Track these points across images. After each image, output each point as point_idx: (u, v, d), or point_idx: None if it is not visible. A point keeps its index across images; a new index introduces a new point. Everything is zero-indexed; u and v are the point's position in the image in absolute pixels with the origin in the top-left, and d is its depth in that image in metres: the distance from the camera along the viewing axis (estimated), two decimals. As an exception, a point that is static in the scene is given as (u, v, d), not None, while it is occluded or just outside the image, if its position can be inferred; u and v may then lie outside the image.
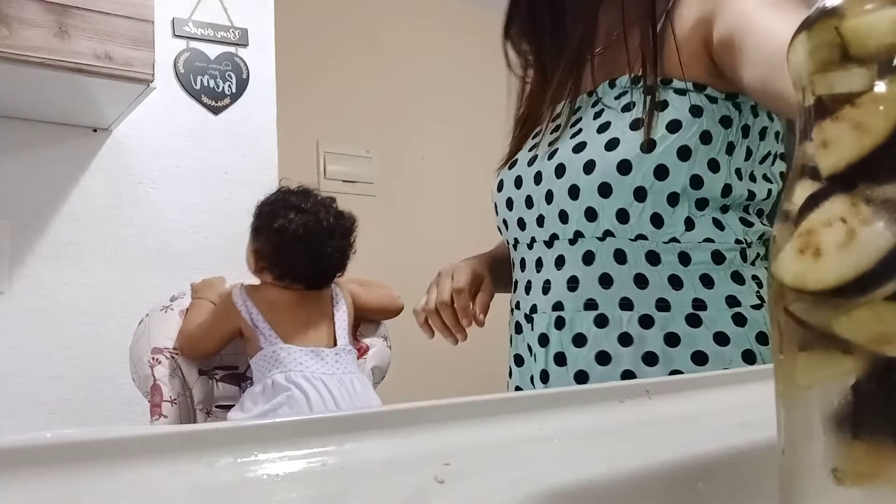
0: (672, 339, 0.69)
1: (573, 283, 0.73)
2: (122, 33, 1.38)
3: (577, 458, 0.31)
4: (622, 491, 0.27)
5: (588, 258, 0.72)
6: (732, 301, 0.70)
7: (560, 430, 0.35)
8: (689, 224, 0.69)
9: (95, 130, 1.69)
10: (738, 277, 0.71)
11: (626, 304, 0.70)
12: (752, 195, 0.72)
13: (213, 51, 1.84)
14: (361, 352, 1.49)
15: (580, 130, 0.75)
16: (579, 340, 0.72)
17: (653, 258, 0.70)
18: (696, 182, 0.68)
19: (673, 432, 0.36)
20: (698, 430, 0.36)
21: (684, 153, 0.67)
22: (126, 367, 1.40)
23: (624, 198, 0.69)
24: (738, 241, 0.71)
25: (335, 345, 1.39)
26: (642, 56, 0.71)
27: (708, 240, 0.70)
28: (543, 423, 0.36)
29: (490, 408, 0.37)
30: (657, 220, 0.69)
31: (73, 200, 1.66)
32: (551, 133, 0.79)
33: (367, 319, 1.55)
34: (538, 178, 0.76)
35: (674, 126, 0.68)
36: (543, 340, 0.75)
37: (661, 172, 0.68)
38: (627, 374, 0.69)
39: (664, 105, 0.68)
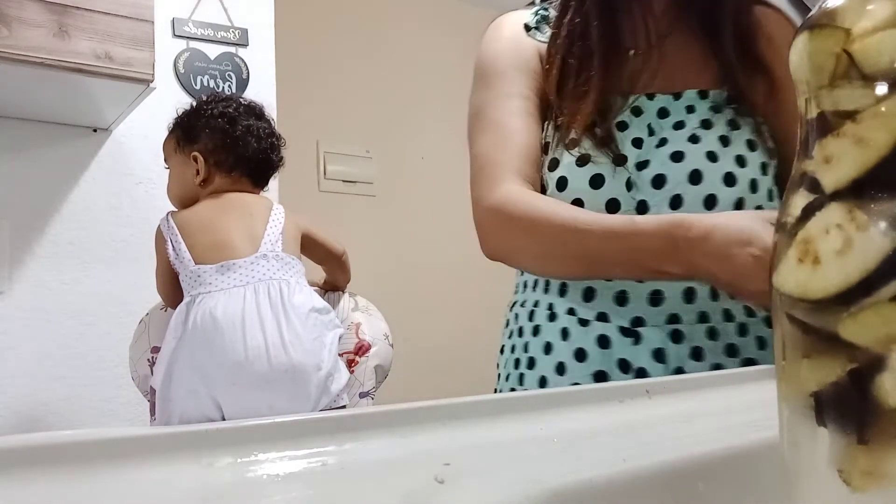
0: (762, 343, 0.74)
1: (690, 295, 0.72)
2: (122, 33, 1.38)
3: (577, 458, 0.31)
4: (622, 491, 0.27)
5: None
6: None
7: (560, 430, 0.35)
8: None
9: (95, 130, 1.69)
10: None
11: (728, 316, 0.73)
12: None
13: (213, 51, 1.84)
14: (363, 350, 1.48)
15: (665, 140, 0.74)
16: (697, 355, 0.72)
17: None
18: (771, 196, 0.75)
19: (673, 432, 0.36)
20: (698, 430, 0.36)
21: (765, 169, 0.74)
22: (126, 367, 1.39)
23: (724, 209, 0.71)
24: None
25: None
26: (733, 75, 0.77)
27: None
28: (543, 423, 0.36)
29: (490, 408, 0.37)
30: None
31: (73, 200, 1.66)
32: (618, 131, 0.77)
33: (312, 257, 1.45)
34: (629, 186, 0.73)
35: (751, 145, 0.75)
36: (659, 356, 0.72)
37: (754, 187, 0.73)
38: None
39: (759, 129, 0.76)
